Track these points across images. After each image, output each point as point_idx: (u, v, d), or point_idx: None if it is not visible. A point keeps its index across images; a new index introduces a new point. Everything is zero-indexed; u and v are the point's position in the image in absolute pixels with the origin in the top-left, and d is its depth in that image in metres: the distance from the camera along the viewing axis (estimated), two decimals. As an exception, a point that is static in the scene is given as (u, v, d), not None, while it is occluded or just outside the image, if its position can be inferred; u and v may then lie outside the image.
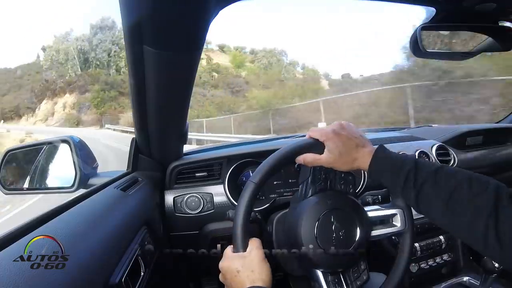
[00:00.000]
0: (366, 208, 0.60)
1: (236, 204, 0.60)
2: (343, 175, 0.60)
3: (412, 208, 0.58)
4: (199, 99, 22.24)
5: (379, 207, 0.61)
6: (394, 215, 0.61)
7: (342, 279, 0.57)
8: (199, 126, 15.10)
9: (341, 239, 0.55)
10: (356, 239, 0.55)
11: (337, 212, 0.55)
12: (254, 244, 0.51)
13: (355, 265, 0.59)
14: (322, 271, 0.56)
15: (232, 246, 0.52)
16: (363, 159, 0.55)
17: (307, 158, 0.56)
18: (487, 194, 0.44)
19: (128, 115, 22.12)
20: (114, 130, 21.80)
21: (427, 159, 1.04)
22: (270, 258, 0.53)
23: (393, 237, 0.93)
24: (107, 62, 36.54)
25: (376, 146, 0.56)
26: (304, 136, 0.60)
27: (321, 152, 0.55)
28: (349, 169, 0.57)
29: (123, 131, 18.92)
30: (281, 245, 0.62)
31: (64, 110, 34.04)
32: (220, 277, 0.54)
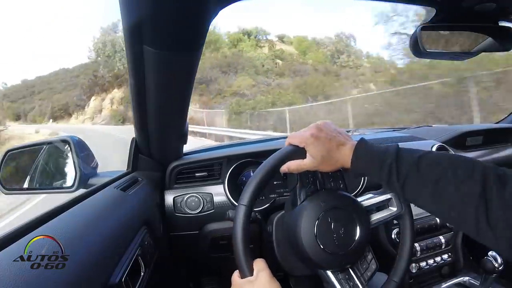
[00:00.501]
0: (360, 198, 0.60)
1: (236, 204, 0.60)
2: (330, 173, 0.60)
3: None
4: (263, 89, 19.30)
5: (373, 194, 0.61)
6: (389, 199, 0.61)
7: (353, 274, 0.57)
8: (277, 118, 11.02)
9: (342, 237, 0.55)
10: (357, 233, 0.56)
11: (333, 212, 0.55)
12: (260, 266, 0.51)
13: (362, 257, 0.59)
14: (331, 271, 0.56)
15: (237, 271, 0.52)
16: (345, 158, 0.54)
17: (291, 166, 0.55)
18: (474, 180, 0.42)
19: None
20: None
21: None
22: (267, 250, 0.52)
23: (394, 237, 0.93)
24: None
25: (356, 141, 0.55)
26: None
27: (304, 157, 0.55)
28: (334, 170, 0.56)
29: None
30: (281, 245, 0.62)
31: (111, 106, 30.96)
32: None
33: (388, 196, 0.61)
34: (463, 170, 0.44)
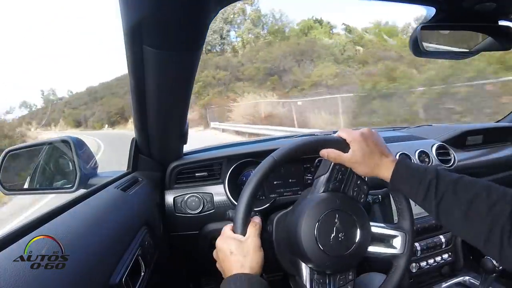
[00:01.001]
0: (370, 223, 0.60)
1: (236, 204, 0.60)
2: (359, 182, 0.60)
3: (433, 217, 0.57)
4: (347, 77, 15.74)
5: (384, 225, 0.61)
6: (395, 236, 0.61)
7: (327, 282, 0.57)
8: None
9: (339, 241, 0.55)
10: (353, 246, 0.55)
11: (341, 214, 0.55)
12: (253, 231, 0.52)
13: (344, 271, 0.58)
14: (310, 267, 0.56)
15: (231, 225, 0.53)
16: (385, 168, 0.56)
17: (330, 153, 0.57)
18: (505, 202, 0.44)
19: (244, 104, 13.50)
20: (223, 131, 12.66)
21: (427, 159, 1.04)
22: (267, 250, 0.53)
23: None
24: (220, 44, 28.11)
25: (398, 157, 0.56)
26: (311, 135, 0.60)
27: (346, 152, 0.57)
28: (367, 174, 0.58)
29: (237, 133, 11.00)
30: (281, 244, 0.62)
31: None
32: (214, 253, 0.54)
33: (396, 233, 0.60)
34: (497, 192, 0.46)
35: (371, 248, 0.59)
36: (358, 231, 0.56)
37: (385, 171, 0.56)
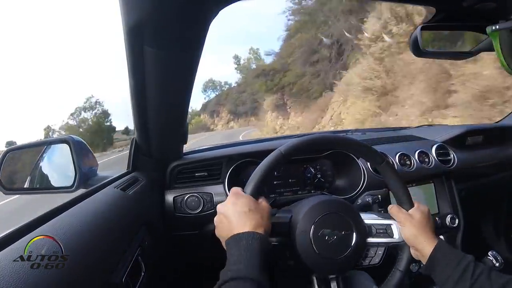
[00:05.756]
0: (363, 215, 0.61)
1: None
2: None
3: None
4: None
5: (376, 215, 0.62)
6: (390, 225, 0.61)
7: None
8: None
9: (334, 244, 0.55)
10: (349, 249, 0.56)
11: (330, 217, 0.56)
12: (264, 200, 0.53)
13: (340, 275, 0.59)
14: (316, 277, 0.57)
15: (239, 187, 0.54)
16: (426, 244, 0.58)
17: (395, 208, 0.62)
18: None
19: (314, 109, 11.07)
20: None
21: (427, 160, 1.04)
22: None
23: None
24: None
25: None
26: (304, 135, 0.61)
27: None
28: (407, 241, 0.60)
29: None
30: (278, 245, 0.62)
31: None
32: (220, 208, 0.54)
33: (389, 222, 0.61)
34: None
35: (370, 240, 0.59)
36: (354, 235, 0.56)
37: (426, 248, 0.58)
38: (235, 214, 0.50)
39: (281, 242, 0.58)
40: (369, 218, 0.61)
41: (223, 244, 0.51)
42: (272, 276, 0.83)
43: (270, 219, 0.51)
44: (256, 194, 0.53)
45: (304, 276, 0.59)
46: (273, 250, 0.62)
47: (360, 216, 0.59)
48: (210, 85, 56.74)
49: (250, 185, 0.53)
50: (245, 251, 0.45)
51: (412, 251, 0.60)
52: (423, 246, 0.58)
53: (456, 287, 0.54)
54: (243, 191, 0.54)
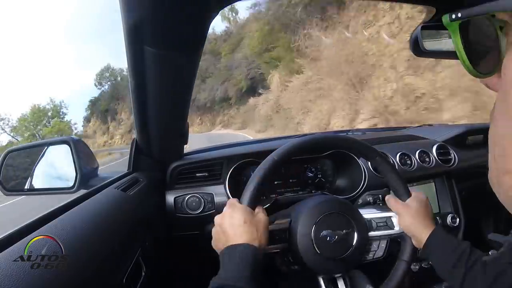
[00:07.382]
0: (362, 210, 0.61)
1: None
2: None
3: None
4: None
5: (375, 209, 0.62)
6: (390, 217, 0.62)
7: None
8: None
9: (336, 244, 0.55)
10: (350, 249, 0.56)
11: (331, 216, 0.56)
12: (261, 209, 0.53)
13: (352, 268, 0.59)
14: (323, 277, 0.56)
15: (236, 199, 0.53)
16: (421, 232, 0.58)
17: (391, 198, 0.63)
18: None
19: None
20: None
21: (427, 159, 1.04)
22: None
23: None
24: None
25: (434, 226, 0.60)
26: (304, 135, 0.61)
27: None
28: (404, 228, 0.60)
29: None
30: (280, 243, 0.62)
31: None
32: (217, 219, 0.54)
33: (389, 214, 0.61)
34: None
35: (371, 233, 0.59)
36: (355, 232, 0.56)
37: (423, 233, 0.58)
38: (230, 226, 0.51)
39: (283, 248, 0.58)
40: (368, 213, 0.61)
41: (219, 254, 0.51)
42: (275, 283, 0.84)
43: (266, 230, 0.51)
44: (253, 203, 0.52)
45: (310, 279, 0.59)
46: (275, 257, 0.63)
47: (359, 212, 0.59)
48: (107, 75, 39.62)
49: (246, 195, 0.53)
50: (237, 261, 0.46)
51: (413, 240, 0.61)
52: (420, 232, 0.58)
53: (452, 272, 0.54)
54: (239, 202, 0.54)
